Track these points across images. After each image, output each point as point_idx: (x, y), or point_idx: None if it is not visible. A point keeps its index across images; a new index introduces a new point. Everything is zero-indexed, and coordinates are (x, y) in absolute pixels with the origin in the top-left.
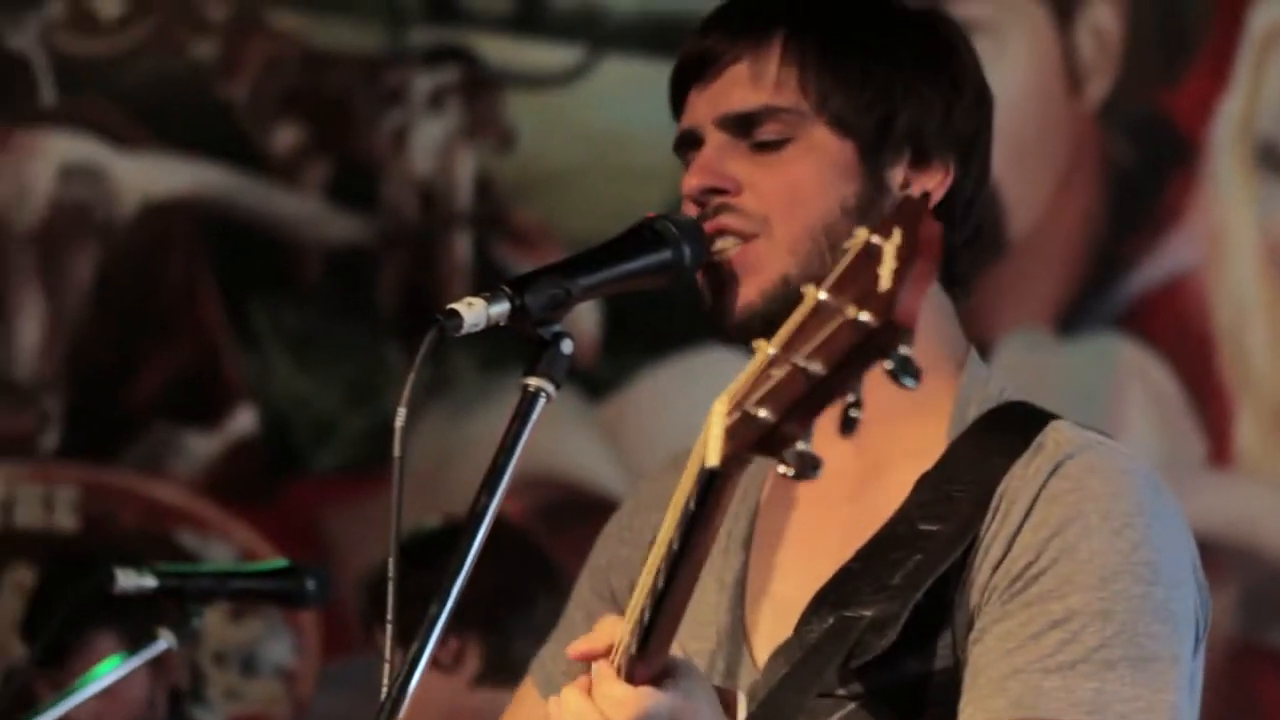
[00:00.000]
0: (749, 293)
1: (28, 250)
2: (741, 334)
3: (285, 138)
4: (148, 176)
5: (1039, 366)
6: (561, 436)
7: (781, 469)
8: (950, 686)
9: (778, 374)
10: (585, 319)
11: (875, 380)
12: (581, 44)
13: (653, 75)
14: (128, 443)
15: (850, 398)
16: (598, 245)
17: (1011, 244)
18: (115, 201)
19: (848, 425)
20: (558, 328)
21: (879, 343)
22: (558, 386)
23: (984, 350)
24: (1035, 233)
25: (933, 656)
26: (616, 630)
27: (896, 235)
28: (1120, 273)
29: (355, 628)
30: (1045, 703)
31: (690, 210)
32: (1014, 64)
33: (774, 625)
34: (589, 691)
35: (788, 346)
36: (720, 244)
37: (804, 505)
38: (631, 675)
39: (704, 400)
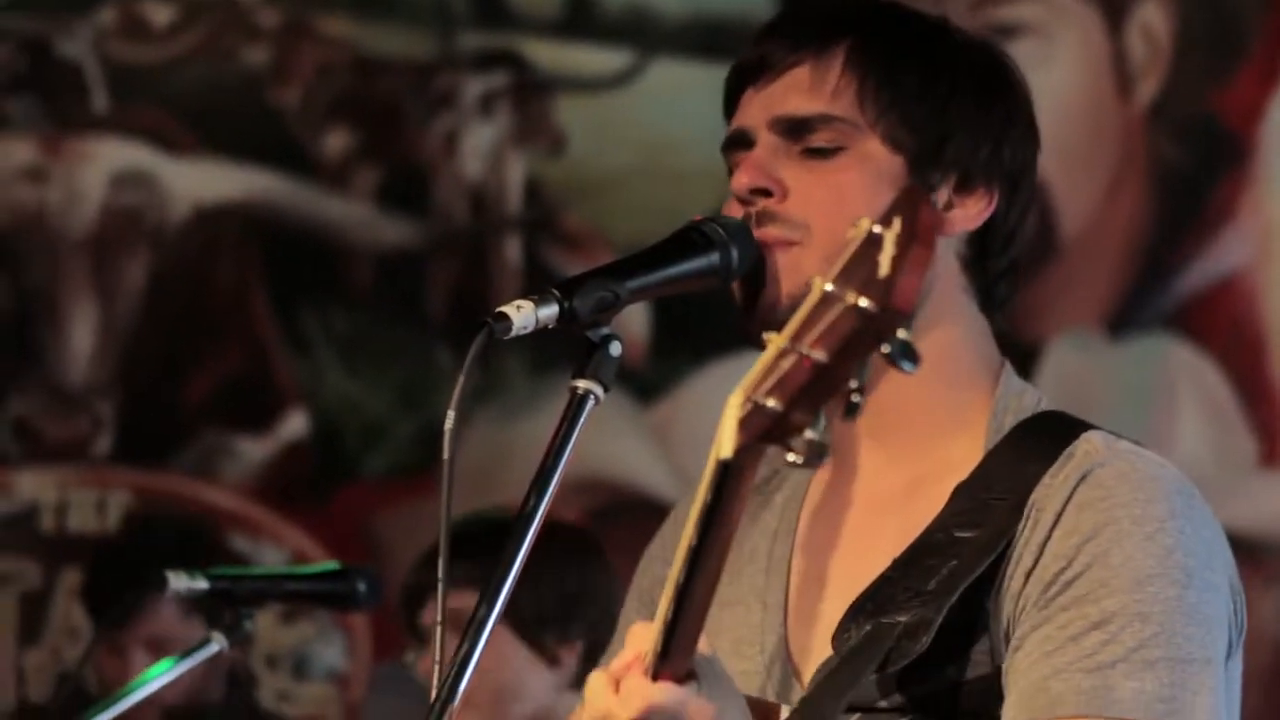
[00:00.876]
0: (777, 296)
1: (80, 256)
2: (760, 336)
3: (336, 143)
4: (199, 182)
5: (1090, 368)
6: (611, 439)
7: (790, 457)
8: (988, 693)
9: (786, 364)
10: (635, 322)
11: (911, 393)
12: (631, 47)
13: (702, 78)
14: (180, 447)
15: (853, 384)
16: (646, 248)
17: (1062, 245)
18: (167, 207)
19: (850, 411)
20: (606, 330)
21: (878, 327)
22: (606, 389)
23: (1034, 352)
24: (1086, 234)
25: (969, 664)
26: (648, 635)
27: (896, 224)
28: (1171, 273)
29: (397, 628)
30: (1086, 701)
31: (736, 209)
32: (1064, 66)
33: (818, 643)
34: (616, 684)
35: (796, 337)
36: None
37: (846, 523)
38: (657, 674)
39: None
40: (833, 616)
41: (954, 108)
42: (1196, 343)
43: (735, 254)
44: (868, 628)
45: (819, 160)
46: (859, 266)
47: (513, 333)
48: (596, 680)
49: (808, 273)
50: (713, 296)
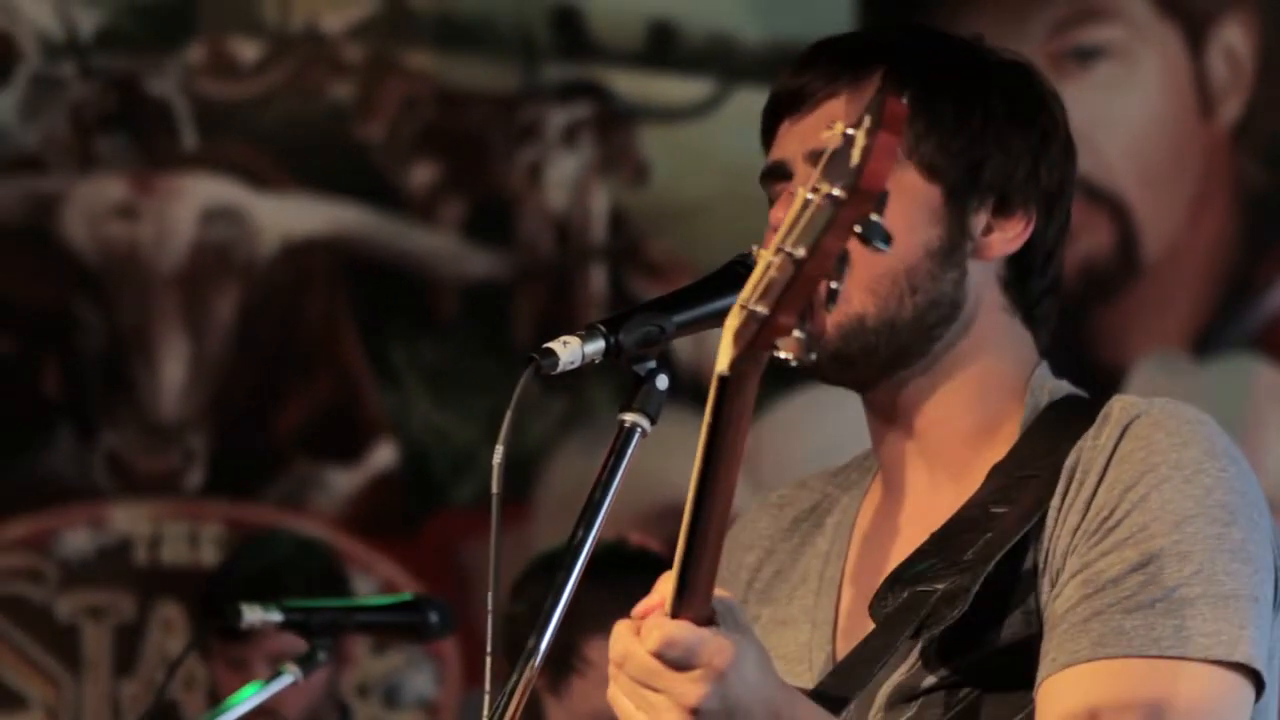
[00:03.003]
0: (823, 328)
1: (171, 292)
2: (812, 369)
3: (421, 176)
4: (287, 217)
5: (1175, 389)
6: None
7: (782, 355)
8: (1027, 657)
9: (773, 270)
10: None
11: (957, 412)
12: (712, 76)
13: None
14: (270, 479)
15: (831, 275)
16: (692, 282)
17: (1146, 267)
18: (256, 242)
19: (830, 298)
20: (652, 364)
21: (849, 213)
22: (653, 421)
23: (1119, 373)
24: (1169, 255)
25: (1005, 628)
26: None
27: (866, 120)
28: (1255, 294)
29: (497, 659)
30: (1127, 641)
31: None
32: (1146, 87)
33: (857, 622)
34: (638, 629)
35: (780, 243)
36: None
37: (896, 544)
38: (676, 615)
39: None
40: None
41: (990, 131)
42: None
43: None
44: (904, 596)
45: None
46: (831, 167)
47: (559, 368)
48: (620, 625)
49: (851, 303)
50: None
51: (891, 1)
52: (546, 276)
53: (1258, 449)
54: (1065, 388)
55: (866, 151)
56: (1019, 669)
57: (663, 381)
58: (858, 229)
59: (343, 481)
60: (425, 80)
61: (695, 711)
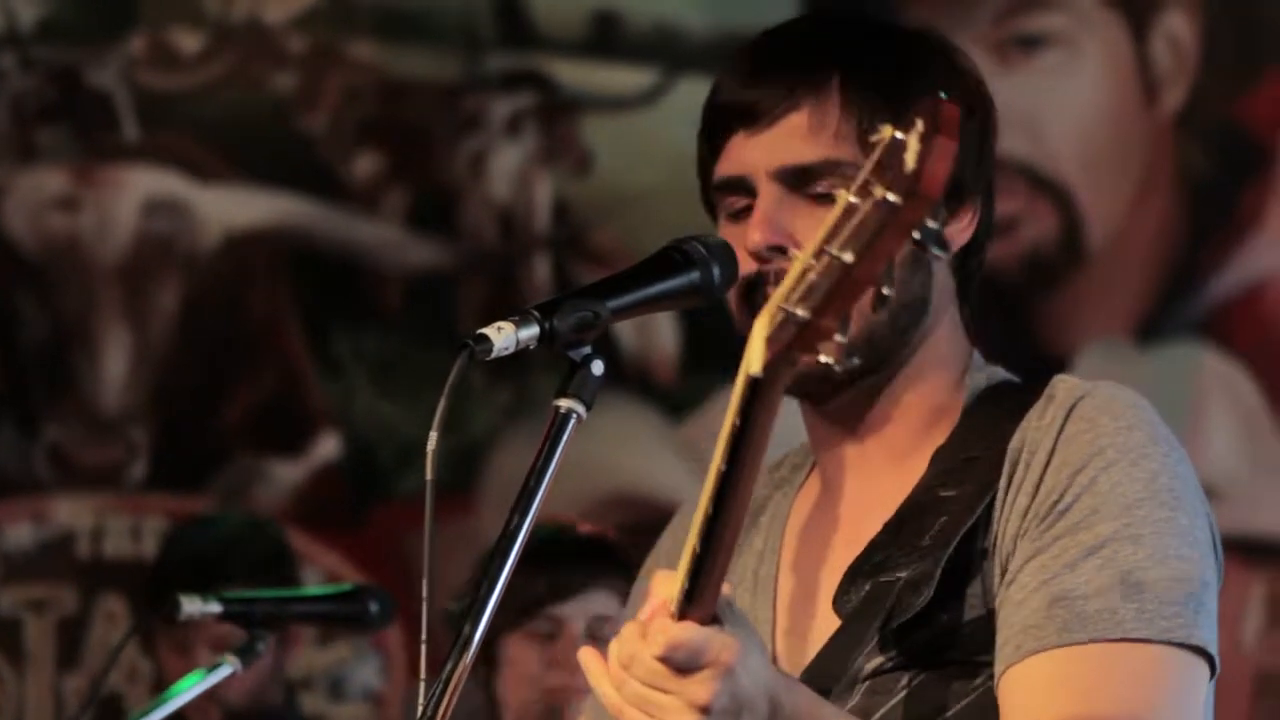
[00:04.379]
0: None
1: (113, 284)
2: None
3: (364, 166)
4: (230, 208)
5: (1119, 377)
6: (643, 456)
7: (823, 358)
8: (984, 636)
9: (812, 273)
10: (665, 338)
11: (899, 397)
12: (657, 65)
13: None
14: (214, 472)
15: (882, 281)
16: (627, 268)
17: (1090, 255)
18: (198, 234)
19: (880, 302)
20: (587, 350)
21: (906, 218)
22: (588, 407)
23: (1064, 361)
24: (1113, 243)
25: (965, 608)
26: (672, 585)
27: (919, 124)
28: (1199, 281)
29: (444, 649)
30: (1091, 626)
31: (747, 263)
32: (1089, 75)
33: (811, 651)
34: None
35: (821, 247)
36: None
37: (836, 534)
38: (684, 614)
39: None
40: (824, 628)
41: None
42: (1226, 350)
43: (716, 272)
44: (866, 588)
45: (826, 206)
46: (882, 171)
47: (493, 354)
48: (625, 628)
49: None
50: None
51: None
52: (491, 267)
53: (1202, 436)
54: (1000, 373)
55: (924, 156)
56: (967, 649)
57: (598, 367)
58: (916, 235)
59: (286, 473)
60: (368, 71)
61: (707, 710)
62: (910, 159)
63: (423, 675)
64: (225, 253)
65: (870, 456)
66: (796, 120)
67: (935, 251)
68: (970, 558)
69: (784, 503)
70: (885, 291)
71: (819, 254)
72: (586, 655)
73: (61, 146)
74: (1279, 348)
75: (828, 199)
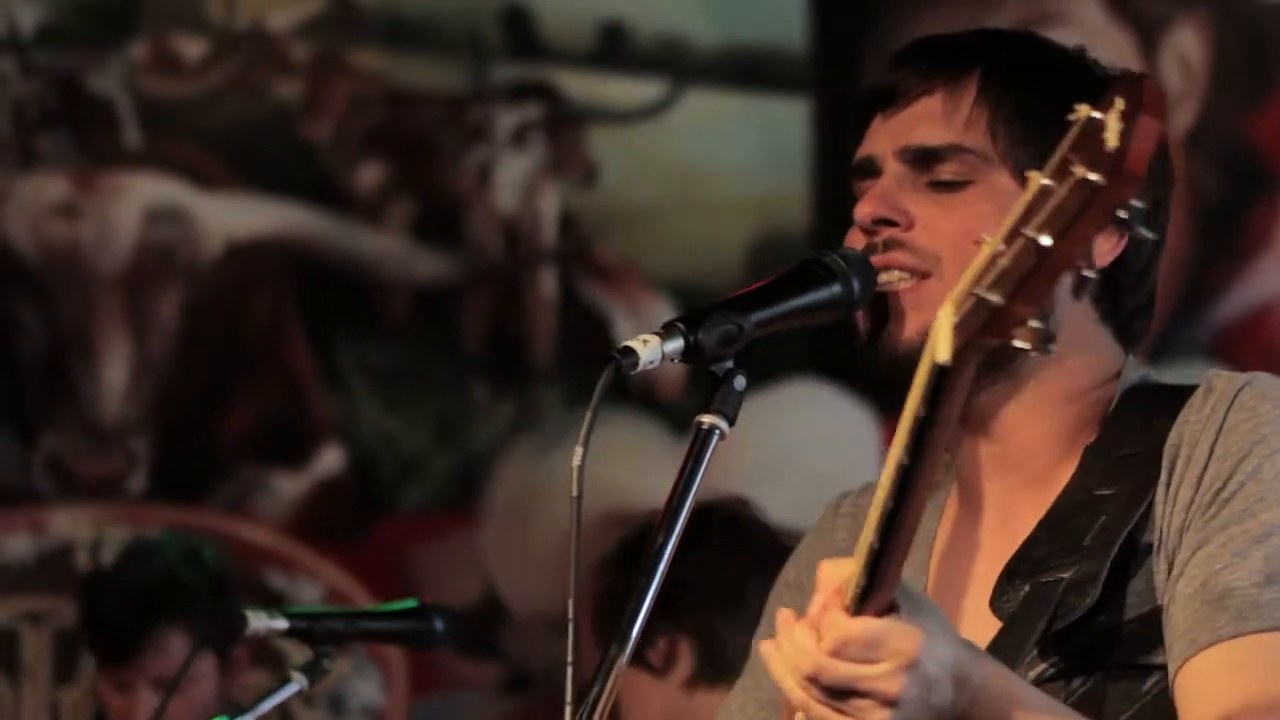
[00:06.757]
0: (912, 330)
1: (114, 292)
2: (899, 370)
3: (369, 177)
4: (232, 217)
5: None
6: (646, 472)
7: (1018, 343)
8: (1148, 632)
9: (1004, 259)
10: None
11: (1038, 424)
12: (663, 78)
13: (735, 108)
14: (215, 483)
15: (1081, 263)
16: (768, 281)
17: None
18: (200, 243)
19: (1081, 286)
20: (730, 364)
21: (1110, 197)
22: (731, 423)
23: None
24: None
25: (1126, 606)
26: (841, 572)
27: (1119, 102)
28: (1207, 301)
29: (443, 665)
30: (1266, 614)
31: (858, 239)
32: None
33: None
34: (818, 629)
35: (1013, 232)
36: (886, 277)
37: (979, 558)
38: (861, 610)
39: (789, 433)
40: (983, 630)
41: None
42: (1232, 369)
43: (856, 285)
44: (1026, 588)
45: (946, 193)
46: (1079, 152)
47: (640, 367)
48: (797, 627)
49: (937, 307)
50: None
51: (844, 5)
52: (495, 279)
53: None
54: (1152, 375)
55: (1128, 134)
56: (1131, 650)
57: (740, 382)
58: (1121, 214)
59: (289, 486)
60: (373, 80)
61: (896, 703)
62: (1111, 137)
63: (569, 699)
64: (227, 262)
65: (1008, 473)
66: (930, 104)
67: (1143, 232)
68: (1133, 555)
69: (928, 522)
70: (1087, 274)
71: (1010, 238)
72: (768, 648)
73: (62, 153)
74: None
75: (948, 186)
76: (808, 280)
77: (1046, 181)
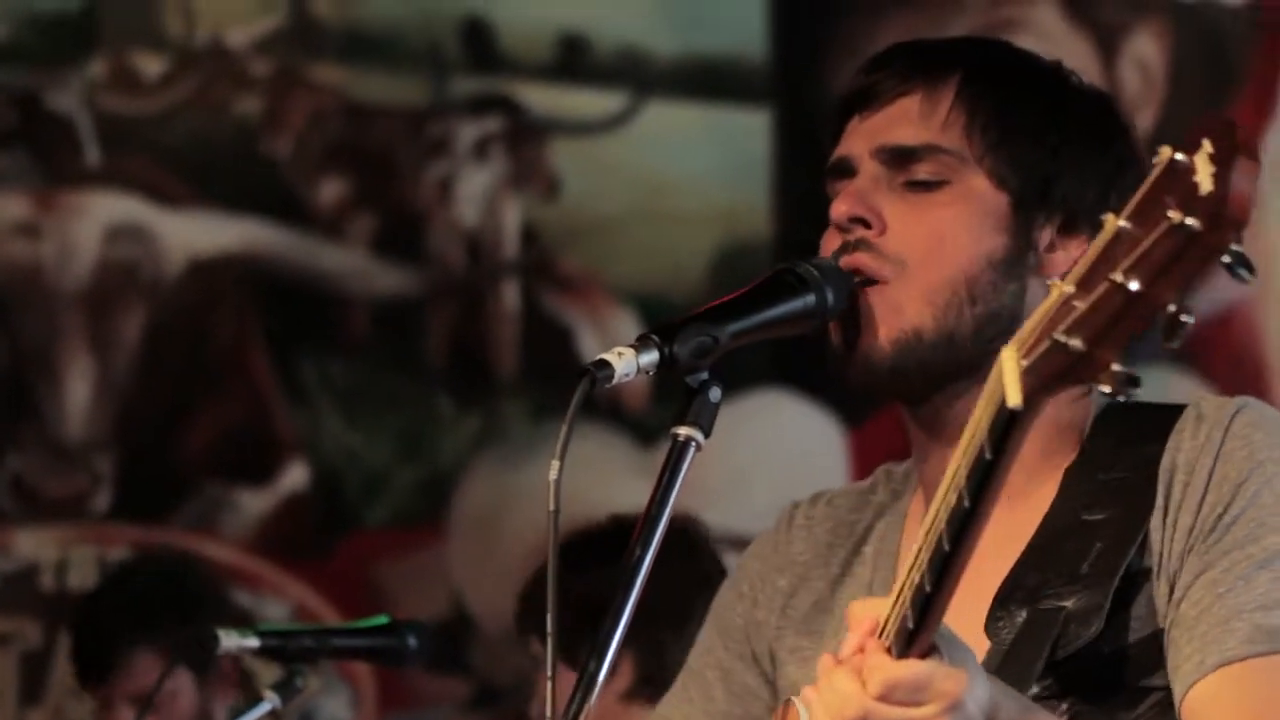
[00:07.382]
0: (879, 340)
1: (75, 311)
2: (866, 383)
3: (330, 192)
4: (194, 234)
5: None
6: (612, 482)
7: (1104, 388)
8: (1148, 657)
9: (1083, 303)
10: None
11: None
12: (624, 90)
13: (696, 119)
14: (179, 502)
15: (1172, 307)
16: (741, 292)
17: None
18: (162, 260)
19: (1177, 329)
20: (704, 376)
21: (1211, 242)
22: (706, 434)
23: None
24: None
25: (1126, 632)
26: (874, 612)
27: (1206, 144)
28: None
29: (412, 681)
30: (1274, 638)
31: (833, 239)
32: None
33: None
34: (859, 672)
35: (1089, 277)
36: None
37: None
38: (905, 651)
39: (753, 443)
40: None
41: (1065, 150)
42: (1198, 375)
43: (830, 295)
44: (1023, 615)
45: (921, 194)
46: (1162, 196)
47: (615, 380)
48: (838, 672)
49: (907, 313)
50: None
51: (805, 15)
52: (458, 293)
53: None
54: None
55: (1224, 177)
56: (1129, 674)
57: (715, 394)
58: (1225, 260)
59: (253, 503)
60: (333, 94)
61: None
62: (1206, 181)
63: (548, 715)
64: (189, 279)
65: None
66: (908, 104)
67: (1244, 275)
68: (1132, 581)
69: (890, 533)
70: (1184, 319)
71: (1088, 281)
72: (809, 694)
73: (21, 172)
74: (1250, 371)
75: (923, 186)
76: (781, 291)
77: (1124, 225)
